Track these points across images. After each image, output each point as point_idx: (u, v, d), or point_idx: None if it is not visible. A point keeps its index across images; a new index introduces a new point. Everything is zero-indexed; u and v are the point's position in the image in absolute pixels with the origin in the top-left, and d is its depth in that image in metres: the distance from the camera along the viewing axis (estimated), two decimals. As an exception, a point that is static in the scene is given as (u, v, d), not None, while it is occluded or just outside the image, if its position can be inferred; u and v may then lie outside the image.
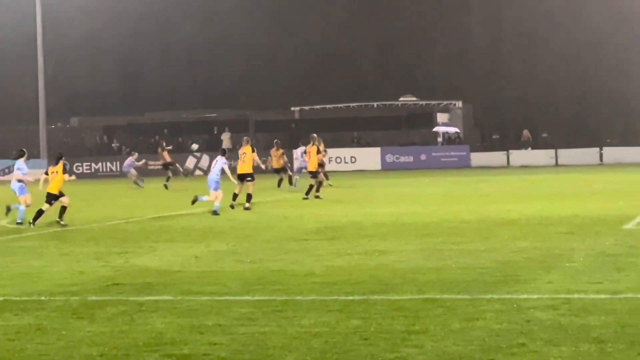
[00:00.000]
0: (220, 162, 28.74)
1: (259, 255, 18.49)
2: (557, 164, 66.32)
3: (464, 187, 42.43)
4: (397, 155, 68.11)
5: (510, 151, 68.86)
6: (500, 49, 79.49)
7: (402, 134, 72.92)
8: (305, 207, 29.74)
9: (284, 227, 24.45)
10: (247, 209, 29.26)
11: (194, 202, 28.90)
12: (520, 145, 71.62)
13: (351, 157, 67.61)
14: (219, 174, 28.61)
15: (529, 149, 70.32)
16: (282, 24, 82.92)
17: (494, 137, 75.49)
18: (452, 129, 73.17)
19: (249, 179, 30.17)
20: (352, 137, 71.10)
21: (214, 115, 77.07)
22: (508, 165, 66.58)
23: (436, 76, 79.46)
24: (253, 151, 30.87)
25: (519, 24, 78.74)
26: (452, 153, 68.74)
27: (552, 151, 68.13)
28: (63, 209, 25.89)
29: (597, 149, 67.87)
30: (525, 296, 12.84)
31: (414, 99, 75.71)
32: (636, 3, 75.57)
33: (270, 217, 27.65)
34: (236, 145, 73.02)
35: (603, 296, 12.60)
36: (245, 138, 32.07)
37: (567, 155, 67.59)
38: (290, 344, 10.35)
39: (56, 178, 25.92)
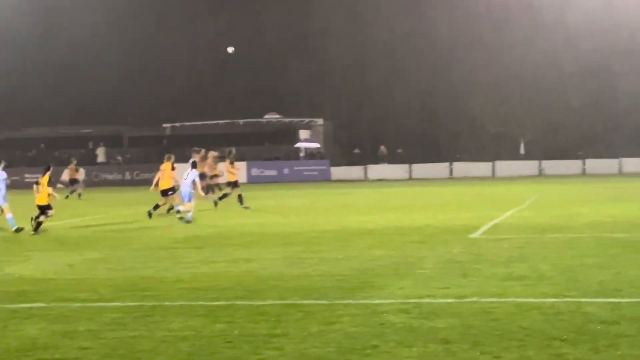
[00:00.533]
0: (192, 174, 28.88)
1: (130, 263, 18.30)
2: (410, 178, 67.54)
3: (324, 199, 42.78)
4: (262, 169, 68.28)
5: (368, 165, 69.84)
6: (359, 69, 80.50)
7: (266, 149, 73.15)
8: (174, 217, 29.51)
9: (154, 237, 24.27)
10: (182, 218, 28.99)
11: (169, 210, 30.12)
12: (377, 159, 72.71)
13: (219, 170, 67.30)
14: (192, 185, 28.68)
15: (385, 163, 71.44)
16: (154, 44, 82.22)
17: (355, 151, 76.38)
18: (314, 145, 73.82)
19: (170, 192, 30.36)
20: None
21: (90, 130, 75.90)
22: (366, 178, 67.45)
23: (299, 95, 79.99)
24: (173, 169, 30.75)
25: (377, 46, 79.94)
26: (314, 167, 69.28)
27: (407, 166, 69.39)
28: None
29: (447, 164, 69.46)
30: (379, 301, 13.05)
31: (278, 116, 76.03)
32: (482, 29, 77.59)
33: (142, 227, 27.38)
34: (110, 160, 72.21)
35: (450, 300, 12.92)
36: (166, 155, 31.80)
37: (420, 169, 68.99)
38: (158, 347, 10.31)
39: (42, 190, 25.42)
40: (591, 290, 13.24)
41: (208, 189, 36.34)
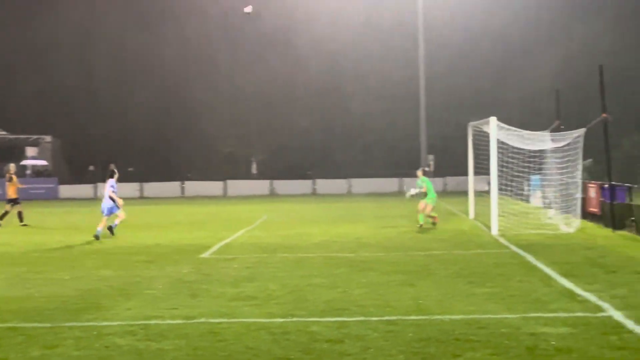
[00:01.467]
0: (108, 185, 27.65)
1: None
2: (142, 196, 66.87)
3: (51, 218, 41.46)
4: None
5: (98, 184, 68.48)
6: (89, 85, 78.94)
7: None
8: None
9: None
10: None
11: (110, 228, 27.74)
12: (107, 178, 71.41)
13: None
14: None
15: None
16: None
17: (90, 168, 74.68)
18: (41, 162, 71.53)
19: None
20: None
21: None
22: (95, 197, 66.10)
23: (26, 111, 77.31)
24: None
25: (106, 63, 78.70)
26: (41, 185, 67.11)
27: (137, 184, 68.67)
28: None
29: (179, 183, 69.38)
30: (105, 323, 12.77)
31: (4, 132, 73.12)
32: (215, 49, 78.21)
33: None
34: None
35: (178, 321, 12.83)
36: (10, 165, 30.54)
37: (152, 188, 68.50)
38: None
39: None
40: (318, 310, 13.56)
41: None
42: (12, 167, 36.31)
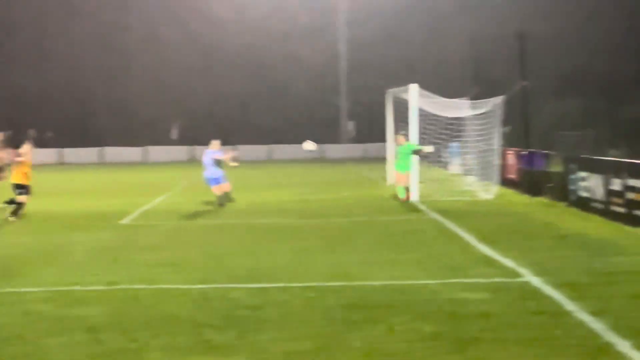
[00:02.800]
0: None
1: None
2: (61, 162, 65.92)
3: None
4: None
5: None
6: (5, 45, 76.98)
7: None
8: None
9: None
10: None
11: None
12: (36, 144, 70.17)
13: None
14: None
15: (35, 147, 69.16)
16: None
17: (5, 133, 73.08)
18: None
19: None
20: None
21: None
22: (12, 163, 64.86)
23: None
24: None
25: (28, 23, 76.85)
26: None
27: (57, 150, 67.68)
28: None
29: (98, 148, 68.55)
30: (25, 289, 12.62)
31: None
32: (139, 10, 77.12)
33: None
34: None
35: (99, 287, 12.73)
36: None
37: (71, 153, 67.57)
38: None
39: None
40: (239, 276, 13.56)
41: None
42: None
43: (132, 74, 77.07)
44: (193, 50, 77.13)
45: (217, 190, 25.25)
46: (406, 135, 26.99)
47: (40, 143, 70.03)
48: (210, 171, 25.21)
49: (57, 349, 9.28)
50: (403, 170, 26.58)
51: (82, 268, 14.48)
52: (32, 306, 11.45)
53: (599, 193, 21.19)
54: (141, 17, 77.25)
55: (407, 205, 25.35)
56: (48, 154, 66.41)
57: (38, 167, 56.58)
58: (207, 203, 26.79)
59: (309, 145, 28.14)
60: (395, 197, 26.98)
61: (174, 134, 75.56)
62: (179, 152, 68.99)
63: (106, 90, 77.03)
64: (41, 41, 76.86)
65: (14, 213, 22.75)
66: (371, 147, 67.15)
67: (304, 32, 77.03)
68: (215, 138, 25.72)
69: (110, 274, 13.84)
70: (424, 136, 29.31)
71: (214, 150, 25.33)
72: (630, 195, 19.18)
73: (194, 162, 65.32)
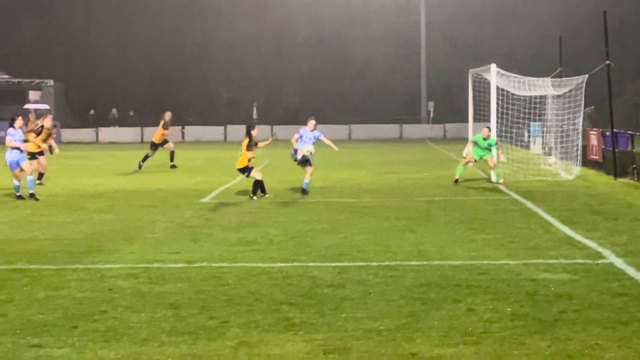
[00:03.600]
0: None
1: None
2: (142, 141, 66.73)
3: (54, 161, 41.33)
4: (-12, 130, 65.06)
5: (100, 128, 68.38)
6: (90, 29, 78.30)
7: (-7, 109, 70.06)
8: None
9: None
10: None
11: None
12: (109, 122, 71.36)
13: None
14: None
15: (117, 126, 70.25)
16: None
17: (90, 113, 74.39)
18: (44, 106, 71.30)
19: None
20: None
21: None
22: (97, 141, 66.03)
23: (28, 55, 76.88)
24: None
25: (109, 7, 78.08)
26: (43, 129, 66.97)
27: (139, 129, 68.52)
28: None
29: (179, 127, 69.21)
30: (108, 266, 12.83)
31: (6, 76, 72.75)
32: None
33: None
34: None
35: (180, 265, 12.88)
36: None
37: (152, 132, 68.11)
38: None
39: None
40: (319, 255, 13.60)
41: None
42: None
43: (212, 53, 77.56)
44: (274, 30, 77.33)
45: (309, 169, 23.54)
46: (490, 129, 26.53)
47: (123, 122, 71.36)
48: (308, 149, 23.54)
49: (139, 324, 9.42)
50: (478, 157, 26.27)
51: (164, 246, 14.65)
52: (115, 282, 11.64)
53: (685, 174, 20.71)
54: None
55: (489, 185, 25.12)
56: (130, 133, 67.41)
57: (120, 144, 57.60)
58: (288, 182, 26.89)
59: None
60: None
61: (255, 113, 75.88)
62: (260, 131, 69.20)
63: (186, 70, 77.70)
64: (123, 24, 77.89)
65: None
66: (451, 127, 66.64)
67: (385, 11, 76.66)
68: (311, 117, 24.65)
69: (191, 252, 14.00)
70: (504, 116, 28.97)
71: (311, 129, 23.82)
72: None
73: (276, 140, 65.78)
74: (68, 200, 22.34)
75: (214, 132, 68.31)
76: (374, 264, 12.76)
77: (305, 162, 23.03)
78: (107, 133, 67.72)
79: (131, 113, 73.67)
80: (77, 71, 76.92)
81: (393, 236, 15.45)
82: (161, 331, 9.15)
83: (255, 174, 22.54)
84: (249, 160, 22.67)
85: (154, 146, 34.61)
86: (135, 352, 8.42)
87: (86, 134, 67.49)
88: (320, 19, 76.93)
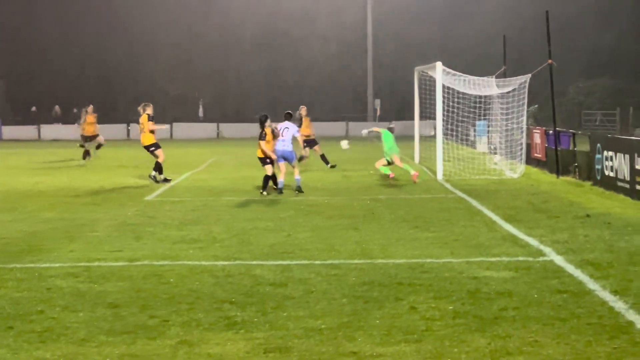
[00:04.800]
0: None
1: None
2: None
3: (-6, 159, 40.85)
4: None
5: (42, 125, 67.56)
6: (34, 26, 77.31)
7: None
8: None
9: None
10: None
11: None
12: (51, 119, 70.56)
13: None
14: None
15: (60, 123, 69.46)
16: None
17: (32, 109, 73.50)
18: (-16, 102, 70.45)
19: (152, 148, 26.62)
20: None
21: None
22: (39, 138, 65.24)
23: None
24: (150, 119, 26.89)
25: (53, 3, 77.13)
26: (-16, 126, 66.14)
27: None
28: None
29: (124, 125, 68.66)
30: (47, 265, 12.68)
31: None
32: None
33: None
34: None
35: (121, 263, 12.77)
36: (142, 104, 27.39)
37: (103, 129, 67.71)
38: None
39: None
40: (262, 253, 13.55)
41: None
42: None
43: (160, 49, 77.07)
44: (220, 27, 77.04)
45: (289, 166, 23.17)
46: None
47: (66, 119, 70.56)
48: (288, 147, 23.13)
49: (77, 324, 9.31)
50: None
51: (105, 244, 14.52)
52: (54, 281, 11.50)
53: (625, 172, 20.99)
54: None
55: (433, 183, 25.26)
56: (70, 130, 66.69)
57: (63, 142, 56.91)
58: (233, 180, 26.79)
59: (345, 145, 28.31)
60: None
61: (201, 111, 75.53)
62: (206, 129, 68.92)
63: (133, 66, 77.11)
64: (67, 20, 77.07)
65: None
66: (397, 125, 66.84)
67: (332, 9, 76.75)
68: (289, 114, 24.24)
69: (133, 250, 13.88)
70: (450, 114, 29.15)
71: (291, 125, 23.51)
72: (658, 175, 18.97)
73: (221, 139, 65.53)
74: (7, 199, 22.05)
75: (160, 130, 67.79)
76: (317, 262, 12.74)
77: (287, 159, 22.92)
78: (50, 130, 66.89)
79: (75, 110, 72.94)
80: (19, 68, 75.98)
81: (336, 234, 15.46)
82: (99, 331, 9.05)
83: (268, 168, 22.44)
84: (264, 153, 22.42)
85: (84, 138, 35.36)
86: (72, 352, 8.32)
87: (27, 131, 66.62)
88: (265, 17, 76.77)
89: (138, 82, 76.77)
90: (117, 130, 67.14)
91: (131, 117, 70.72)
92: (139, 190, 24.05)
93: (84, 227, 16.64)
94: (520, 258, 12.87)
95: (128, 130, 67.11)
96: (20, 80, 75.74)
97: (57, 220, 17.79)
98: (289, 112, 24.59)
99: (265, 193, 22.24)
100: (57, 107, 72.29)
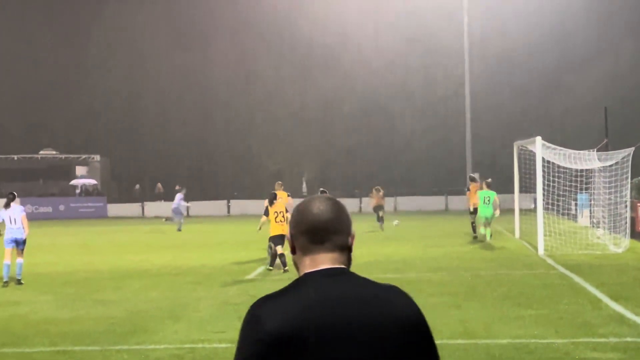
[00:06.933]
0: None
1: None
2: (188, 215, 67.13)
3: (99, 237, 41.80)
4: (37, 206, 65.96)
5: (145, 202, 69.02)
6: (136, 106, 79.61)
7: (41, 185, 71.32)
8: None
9: None
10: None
11: None
12: (154, 197, 72.05)
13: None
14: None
15: (162, 200, 70.84)
16: None
17: (136, 187, 75.33)
18: (90, 181, 72.33)
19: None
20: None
21: None
22: (143, 215, 66.58)
23: (74, 130, 78.22)
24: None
25: (154, 83, 79.35)
26: (90, 204, 67.84)
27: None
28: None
29: (225, 201, 69.62)
30: (152, 346, 12.84)
31: (54, 152, 74.09)
32: (262, 65, 78.57)
33: None
34: None
35: (225, 345, 12.85)
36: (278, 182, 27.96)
37: (198, 206, 68.80)
38: None
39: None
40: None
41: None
42: None
43: (259, 126, 78.35)
44: (318, 103, 78.02)
45: None
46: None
47: (168, 196, 71.91)
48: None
49: (183, 408, 9.41)
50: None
51: (209, 325, 14.65)
52: (159, 363, 11.65)
53: None
54: (268, 69, 78.57)
55: (535, 259, 24.90)
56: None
57: (158, 220, 57.91)
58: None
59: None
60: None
61: (304, 187, 76.17)
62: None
63: (233, 143, 78.50)
64: (168, 99, 79.09)
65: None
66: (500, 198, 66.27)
67: (429, 83, 77.07)
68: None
69: (236, 330, 13.89)
70: (550, 187, 28.83)
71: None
72: None
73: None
74: (112, 277, 22.48)
75: (259, 205, 68.52)
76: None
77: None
78: (153, 207, 68.25)
79: (177, 187, 74.35)
80: (122, 146, 78.09)
81: (439, 312, 15.31)
82: (205, 414, 9.11)
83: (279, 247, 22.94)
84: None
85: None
86: None
87: (131, 208, 68.13)
88: (364, 91, 77.48)
89: (237, 158, 77.99)
90: (218, 206, 68.12)
91: (230, 194, 71.97)
92: (240, 268, 24.26)
93: (187, 307, 16.84)
94: (629, 339, 12.56)
95: (228, 207, 67.98)
96: (123, 158, 77.76)
97: (161, 299, 18.05)
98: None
99: (271, 268, 23.13)
100: (159, 185, 73.85)
